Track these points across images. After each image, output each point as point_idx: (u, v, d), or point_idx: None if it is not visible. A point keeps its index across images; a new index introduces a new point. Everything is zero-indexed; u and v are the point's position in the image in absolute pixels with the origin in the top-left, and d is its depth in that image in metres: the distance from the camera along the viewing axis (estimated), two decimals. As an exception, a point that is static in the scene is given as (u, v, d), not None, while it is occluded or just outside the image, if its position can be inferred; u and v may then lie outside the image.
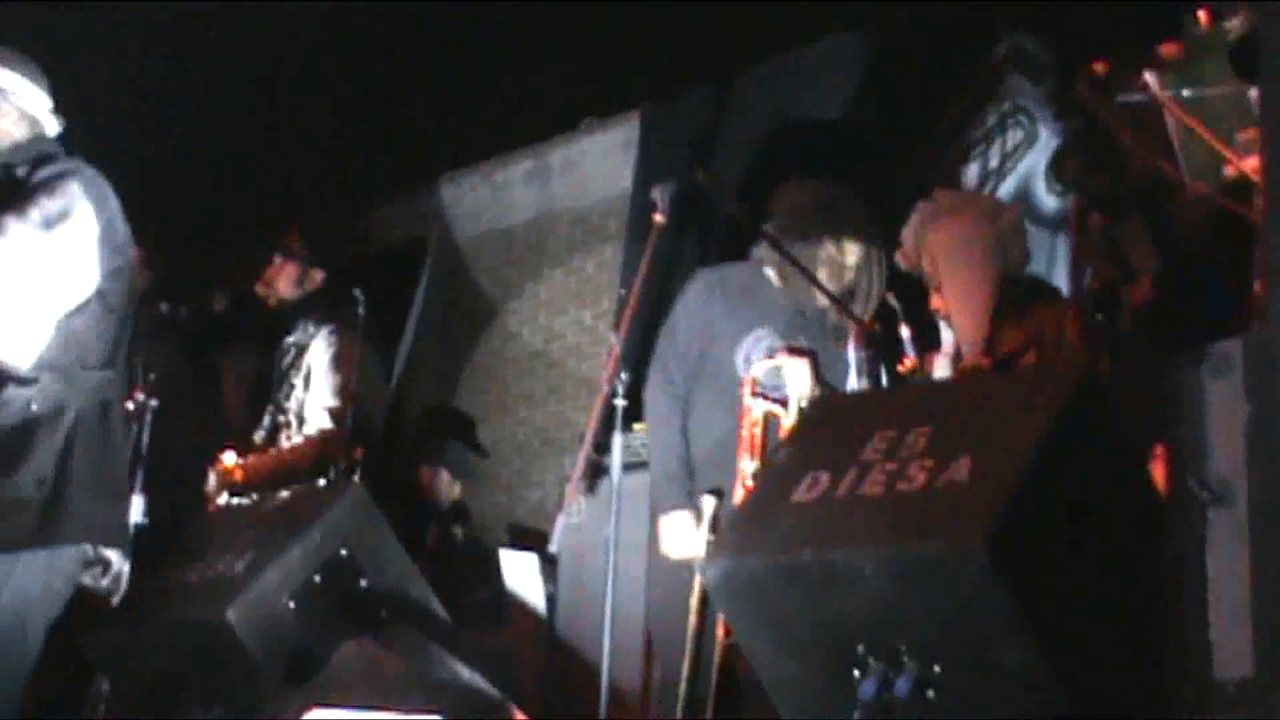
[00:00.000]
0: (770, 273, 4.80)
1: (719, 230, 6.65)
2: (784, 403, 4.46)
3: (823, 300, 4.68)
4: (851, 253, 4.75)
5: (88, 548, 3.74)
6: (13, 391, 3.65)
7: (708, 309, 4.78)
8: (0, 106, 3.95)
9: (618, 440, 4.83)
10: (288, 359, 5.98)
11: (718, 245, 6.68)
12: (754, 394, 4.47)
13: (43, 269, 3.66)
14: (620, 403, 4.80)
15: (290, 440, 5.81)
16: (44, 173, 3.78)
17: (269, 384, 6.06)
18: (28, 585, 3.62)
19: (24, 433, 3.63)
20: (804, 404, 4.33)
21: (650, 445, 4.85)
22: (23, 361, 3.66)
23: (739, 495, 4.32)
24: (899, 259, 4.94)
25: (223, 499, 5.62)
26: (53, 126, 4.03)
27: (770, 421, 4.47)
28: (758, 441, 4.44)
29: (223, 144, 7.71)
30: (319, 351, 5.86)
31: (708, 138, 7.11)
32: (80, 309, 3.75)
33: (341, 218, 8.79)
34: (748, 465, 4.40)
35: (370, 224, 8.92)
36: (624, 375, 4.79)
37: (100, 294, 3.77)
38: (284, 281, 6.10)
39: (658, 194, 4.67)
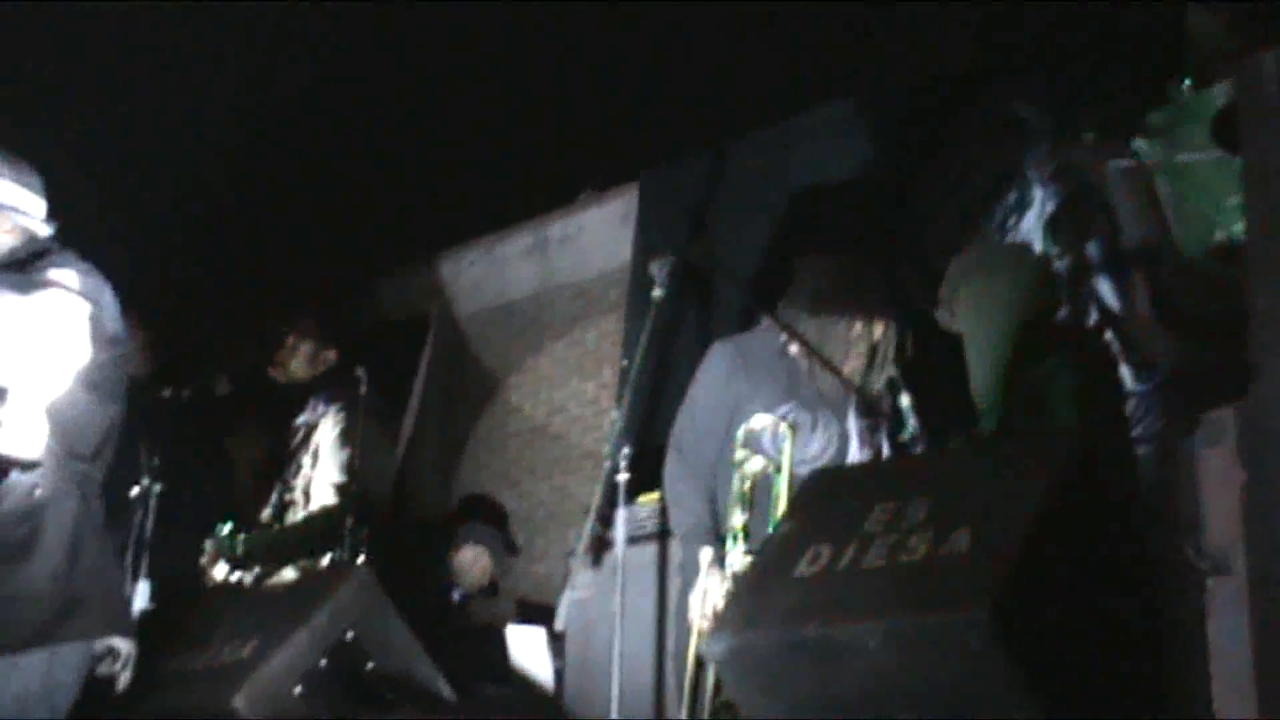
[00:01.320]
0: (791, 345, 4.79)
1: (719, 301, 6.68)
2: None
3: (846, 374, 4.70)
4: (878, 327, 4.75)
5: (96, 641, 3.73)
6: (16, 478, 3.64)
7: (730, 385, 4.71)
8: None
9: (621, 514, 4.85)
10: (297, 438, 6.02)
11: (718, 315, 6.71)
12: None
13: (26, 349, 3.66)
14: (623, 476, 4.82)
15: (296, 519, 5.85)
16: (35, 266, 3.80)
17: (279, 465, 6.09)
18: (27, 682, 3.58)
19: (32, 521, 3.63)
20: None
21: (673, 526, 4.82)
22: (22, 449, 3.67)
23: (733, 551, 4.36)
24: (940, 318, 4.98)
25: (220, 572, 5.64)
26: (44, 230, 4.02)
27: (760, 480, 4.49)
28: (747, 497, 4.46)
29: (221, 224, 7.76)
30: (326, 429, 5.91)
31: (705, 207, 7.15)
32: (71, 398, 3.73)
33: (345, 293, 8.84)
34: (738, 519, 4.42)
35: (371, 300, 8.95)
36: (626, 449, 4.81)
37: (91, 385, 3.77)
38: (298, 362, 6.16)
39: (655, 269, 4.72)
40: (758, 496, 4.48)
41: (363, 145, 7.33)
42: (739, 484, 4.47)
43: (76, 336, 3.72)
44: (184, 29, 6.43)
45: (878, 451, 4.52)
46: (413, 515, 7.83)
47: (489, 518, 6.82)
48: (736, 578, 4.28)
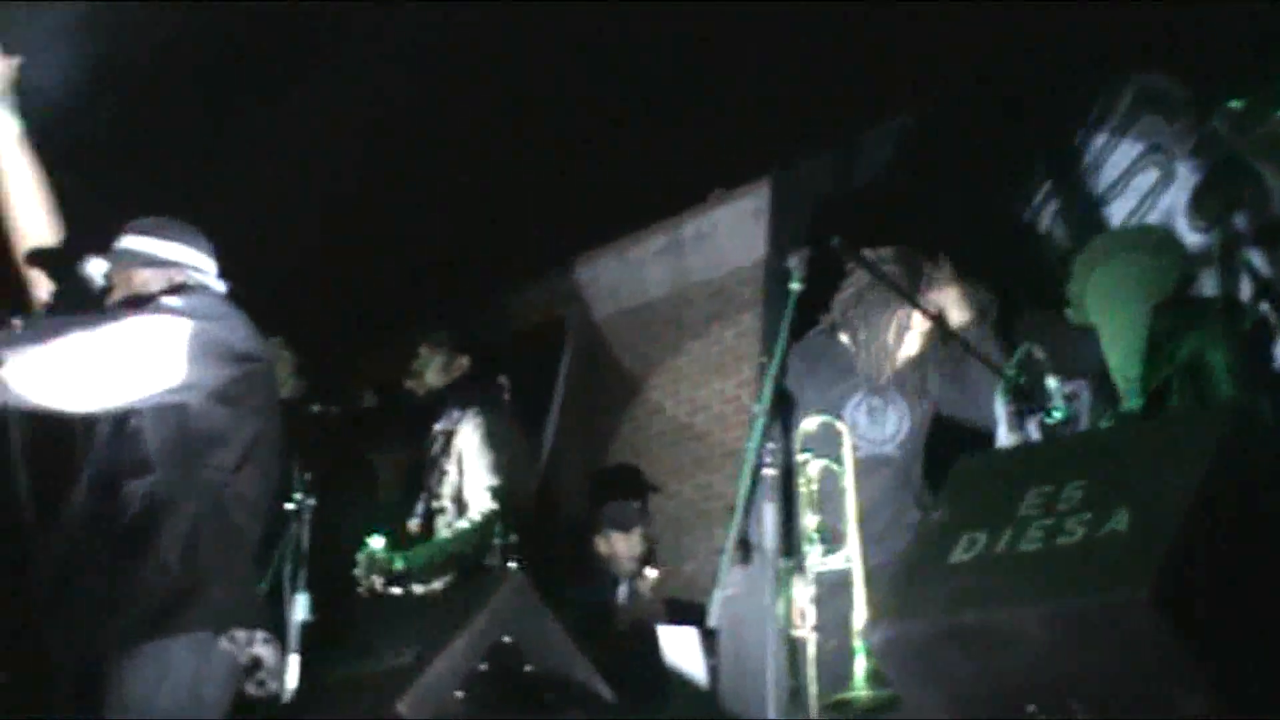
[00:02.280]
0: (844, 339, 4.86)
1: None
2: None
3: (900, 360, 4.75)
4: (932, 308, 4.77)
5: (233, 650, 3.80)
6: (133, 484, 3.81)
7: (796, 388, 4.85)
8: (173, 276, 4.15)
9: (769, 509, 4.83)
10: (437, 446, 6.09)
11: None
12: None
13: (122, 354, 3.81)
14: (769, 471, 4.81)
15: (451, 526, 5.90)
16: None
17: (419, 474, 6.16)
18: (176, 696, 3.69)
19: (146, 520, 3.78)
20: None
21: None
22: (135, 453, 3.81)
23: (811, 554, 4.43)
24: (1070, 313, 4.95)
25: (377, 583, 5.72)
26: (220, 289, 4.24)
27: (826, 477, 4.55)
28: (815, 498, 4.53)
29: (359, 240, 7.86)
30: (468, 434, 5.96)
31: (837, 199, 7.13)
32: (203, 410, 3.87)
33: (481, 303, 8.92)
34: (810, 521, 4.48)
35: (508, 308, 9.03)
36: (770, 444, 4.80)
37: (225, 399, 3.89)
38: (432, 371, 6.24)
39: (793, 261, 4.70)
40: (825, 495, 4.57)
41: (493, 154, 7.38)
42: (805, 487, 4.53)
43: (173, 353, 3.84)
44: (313, 43, 6.50)
45: (1025, 435, 4.47)
46: (559, 520, 7.88)
47: (624, 493, 6.80)
48: (821, 580, 4.40)
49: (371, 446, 6.87)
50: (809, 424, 4.63)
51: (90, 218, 4.33)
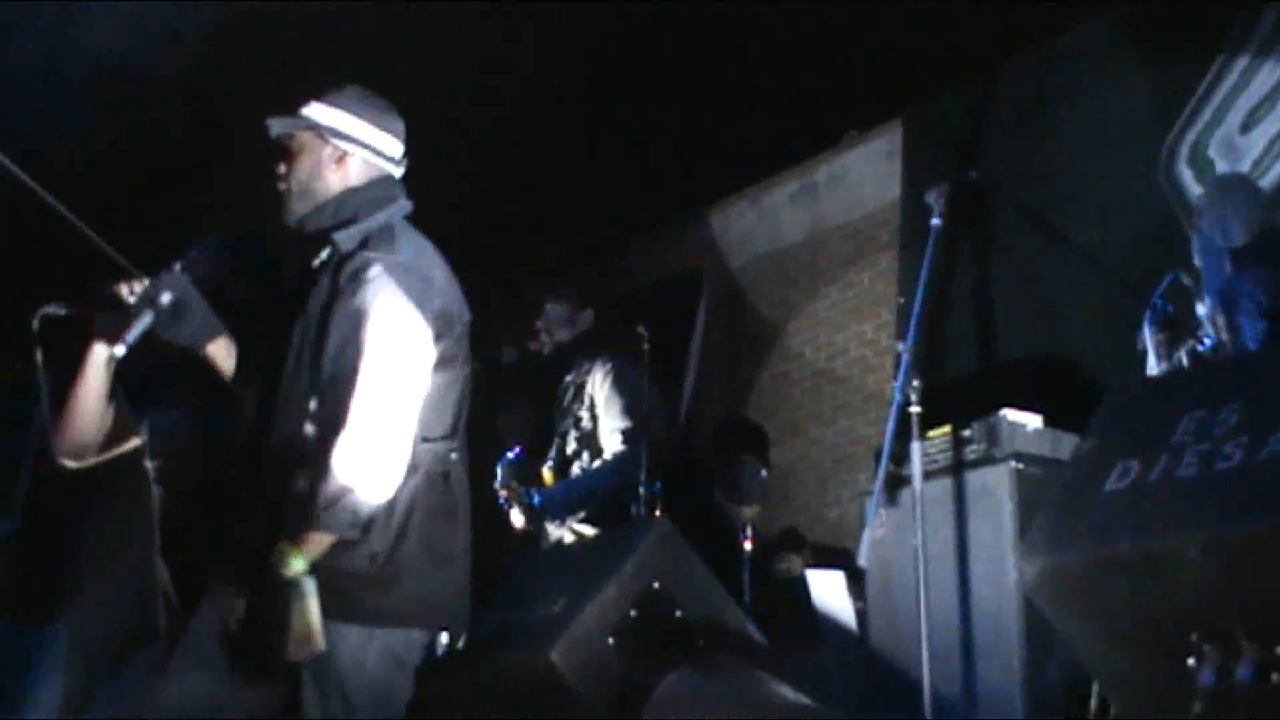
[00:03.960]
0: None
1: (997, 226, 6.58)
2: None
3: None
4: None
5: (419, 635, 3.63)
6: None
7: None
8: (325, 148, 3.81)
9: (916, 449, 4.81)
10: (568, 396, 6.12)
11: (997, 241, 6.61)
12: None
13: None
14: (915, 410, 4.78)
15: (585, 470, 5.94)
16: (372, 272, 3.56)
17: (548, 427, 6.20)
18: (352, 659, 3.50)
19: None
20: None
21: None
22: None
23: None
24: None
25: (519, 520, 5.77)
26: (394, 170, 3.88)
27: None
28: None
29: (497, 195, 7.90)
30: (598, 382, 5.99)
31: (972, 137, 7.05)
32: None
33: (614, 256, 8.94)
34: None
35: (642, 260, 9.04)
36: (916, 382, 4.77)
37: (438, 363, 3.62)
38: (557, 325, 6.27)
39: (933, 198, 4.66)
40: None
41: (624, 106, 7.37)
42: None
43: (423, 362, 3.59)
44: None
45: (1175, 363, 4.39)
46: (702, 469, 7.90)
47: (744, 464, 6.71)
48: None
49: (507, 404, 6.93)
50: None
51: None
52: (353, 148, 3.82)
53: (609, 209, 8.37)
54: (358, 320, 3.50)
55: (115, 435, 3.87)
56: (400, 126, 3.91)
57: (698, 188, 8.37)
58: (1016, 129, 6.83)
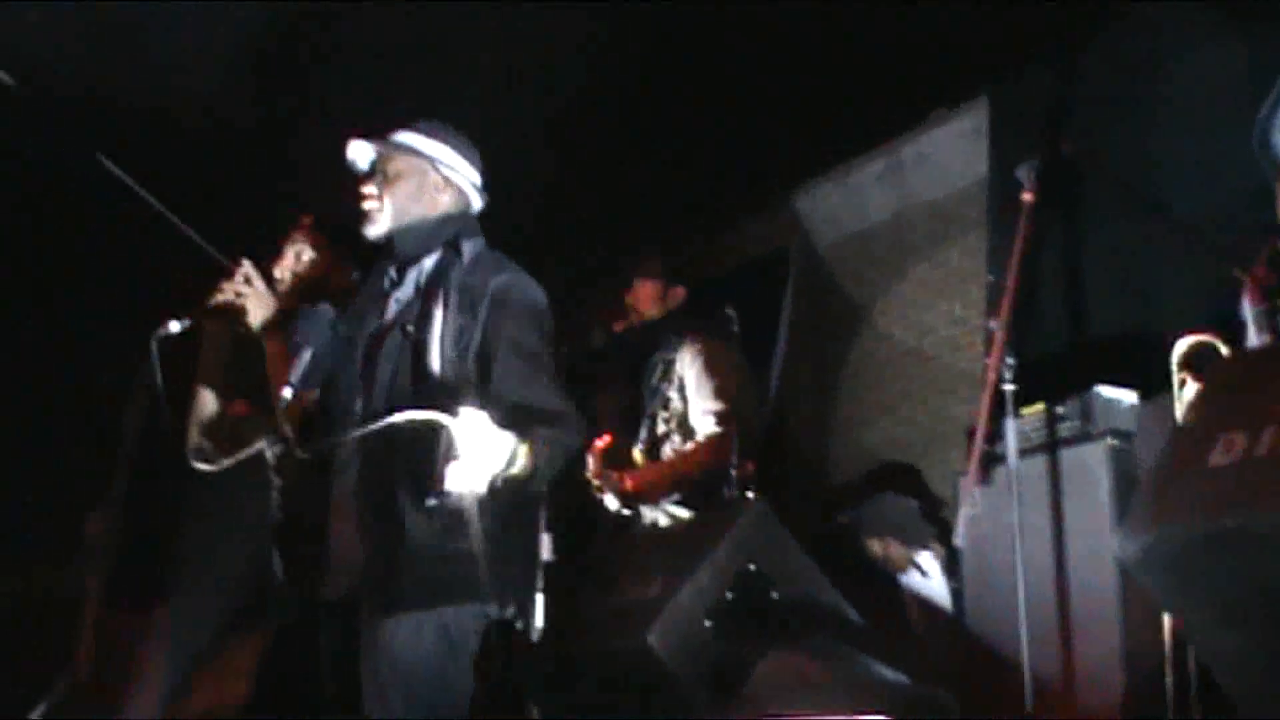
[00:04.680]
0: None
1: (1088, 201, 6.50)
2: None
3: None
4: None
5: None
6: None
7: None
8: (430, 175, 4.21)
9: (1011, 426, 4.78)
10: (657, 374, 6.10)
11: (1089, 216, 6.53)
12: None
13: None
14: (1009, 388, 4.75)
15: (677, 451, 5.92)
16: (501, 278, 4.02)
17: (639, 407, 6.19)
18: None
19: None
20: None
21: None
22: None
23: None
24: None
25: (613, 505, 5.77)
26: (477, 202, 4.30)
27: None
28: None
29: (579, 175, 7.91)
30: (688, 362, 5.97)
31: (1059, 111, 6.97)
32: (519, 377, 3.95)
33: (699, 234, 8.92)
34: None
35: (729, 241, 9.02)
36: (1010, 360, 4.74)
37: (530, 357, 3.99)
38: (646, 302, 6.25)
39: (1023, 173, 4.62)
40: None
41: (707, 86, 7.35)
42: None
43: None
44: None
45: (1277, 334, 4.32)
46: (793, 450, 7.88)
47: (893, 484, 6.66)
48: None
49: (599, 386, 6.93)
50: None
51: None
52: (456, 178, 4.22)
53: (696, 192, 8.35)
54: (530, 312, 4.02)
55: (245, 438, 4.04)
56: (481, 164, 4.31)
57: (784, 169, 8.33)
58: (1106, 102, 6.74)
